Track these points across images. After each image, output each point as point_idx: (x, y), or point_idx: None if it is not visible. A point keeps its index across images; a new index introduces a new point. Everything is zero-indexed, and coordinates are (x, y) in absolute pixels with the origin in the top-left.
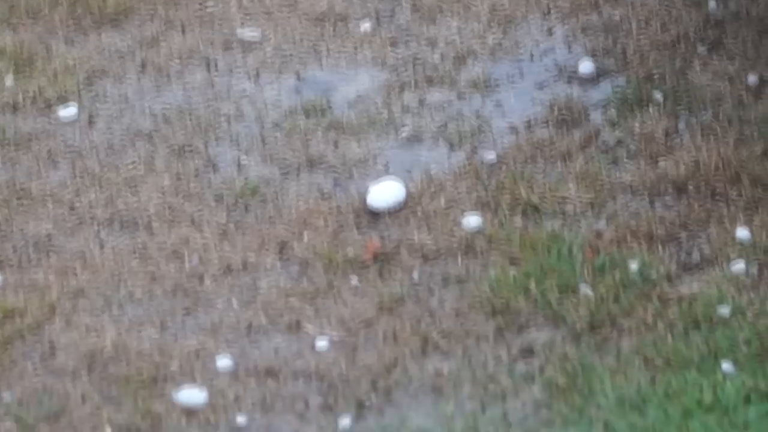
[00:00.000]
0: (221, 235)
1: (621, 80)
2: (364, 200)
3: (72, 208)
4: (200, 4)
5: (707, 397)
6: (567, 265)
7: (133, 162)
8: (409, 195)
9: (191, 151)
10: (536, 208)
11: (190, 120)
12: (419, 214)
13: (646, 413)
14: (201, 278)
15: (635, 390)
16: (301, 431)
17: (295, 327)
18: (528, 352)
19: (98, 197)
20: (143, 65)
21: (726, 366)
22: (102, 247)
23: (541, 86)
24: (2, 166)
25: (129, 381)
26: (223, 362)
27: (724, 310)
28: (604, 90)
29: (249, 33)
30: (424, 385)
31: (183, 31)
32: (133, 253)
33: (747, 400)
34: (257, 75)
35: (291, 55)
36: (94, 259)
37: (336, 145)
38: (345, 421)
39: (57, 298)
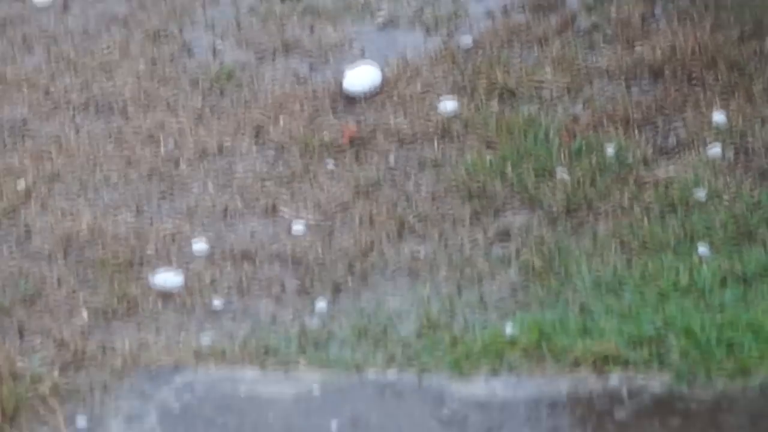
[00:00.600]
0: (197, 120)
1: None
2: (340, 85)
3: (47, 93)
4: None
5: (683, 280)
6: (543, 149)
7: (108, 47)
8: (385, 79)
9: (166, 35)
10: (512, 93)
11: (165, 4)
12: (395, 98)
13: (623, 296)
14: (177, 162)
15: (611, 273)
16: (277, 314)
17: (271, 211)
18: (504, 235)
19: (73, 82)
20: None
21: (702, 249)
22: (77, 131)
23: None
24: None
25: (105, 264)
26: (199, 246)
27: (701, 194)
28: None
29: None
30: (400, 268)
31: None
32: (109, 137)
33: (723, 282)
34: None
35: None
36: (69, 143)
37: (312, 29)
38: (321, 304)
39: (32, 182)
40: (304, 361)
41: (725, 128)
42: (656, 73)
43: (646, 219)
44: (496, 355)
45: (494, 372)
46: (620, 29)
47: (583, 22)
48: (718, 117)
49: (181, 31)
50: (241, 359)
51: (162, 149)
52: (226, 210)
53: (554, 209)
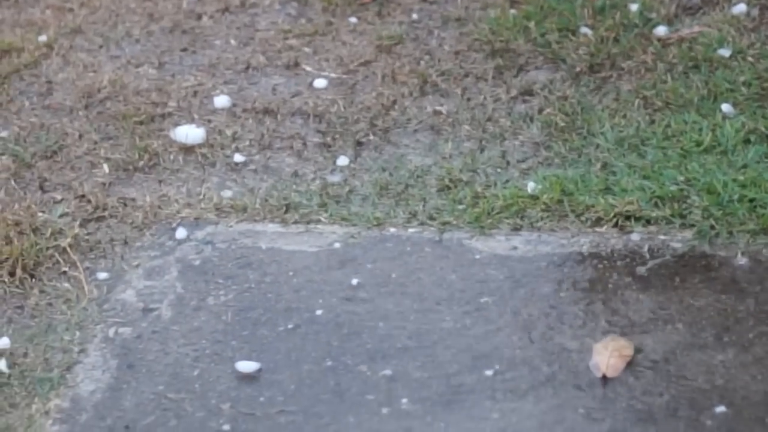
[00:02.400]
0: None
1: None
2: None
3: None
4: None
5: (706, 138)
6: (567, 6)
7: None
8: None
9: None
10: None
11: None
12: None
13: (645, 154)
14: (199, 16)
15: (634, 131)
16: (298, 169)
17: (293, 66)
18: (527, 92)
19: None
20: None
21: (726, 107)
22: None
23: None
24: None
25: (126, 118)
26: (221, 100)
27: (725, 52)
28: None
29: None
30: (422, 124)
31: None
32: None
33: (746, 141)
34: None
35: None
36: None
37: None
38: (343, 160)
39: (54, 36)
40: (326, 217)
41: None
42: None
43: (669, 77)
44: (517, 212)
45: (515, 229)
46: None
47: None
48: None
49: None
50: (262, 214)
51: (184, 3)
52: (248, 65)
53: (577, 67)
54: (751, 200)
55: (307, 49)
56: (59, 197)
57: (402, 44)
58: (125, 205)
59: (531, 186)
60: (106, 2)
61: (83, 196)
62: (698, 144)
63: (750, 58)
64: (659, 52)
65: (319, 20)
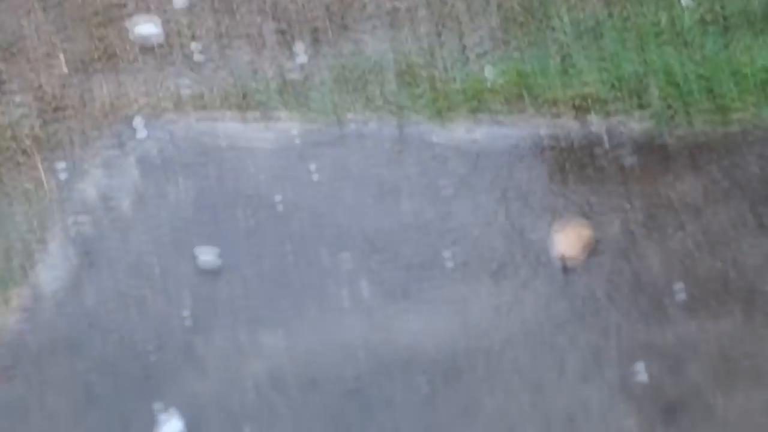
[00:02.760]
0: None
1: None
2: None
3: None
4: None
5: (664, 24)
6: None
7: None
8: None
9: None
10: None
11: None
12: None
13: (603, 41)
14: None
15: (591, 17)
16: (256, 62)
17: None
18: None
19: None
20: None
21: None
22: None
23: None
24: None
25: (84, 15)
26: None
27: None
28: None
29: None
30: (380, 13)
31: None
32: None
33: (703, 26)
34: None
35: None
36: None
37: None
38: (300, 52)
39: None
40: (284, 109)
41: None
42: None
43: None
44: (476, 100)
45: (474, 116)
46: None
47: None
48: None
49: None
50: (221, 109)
51: None
52: None
53: None
54: (708, 83)
55: None
56: (18, 94)
57: None
58: (83, 100)
59: (489, 74)
60: None
61: (42, 92)
62: (656, 31)
63: None
64: None
65: None
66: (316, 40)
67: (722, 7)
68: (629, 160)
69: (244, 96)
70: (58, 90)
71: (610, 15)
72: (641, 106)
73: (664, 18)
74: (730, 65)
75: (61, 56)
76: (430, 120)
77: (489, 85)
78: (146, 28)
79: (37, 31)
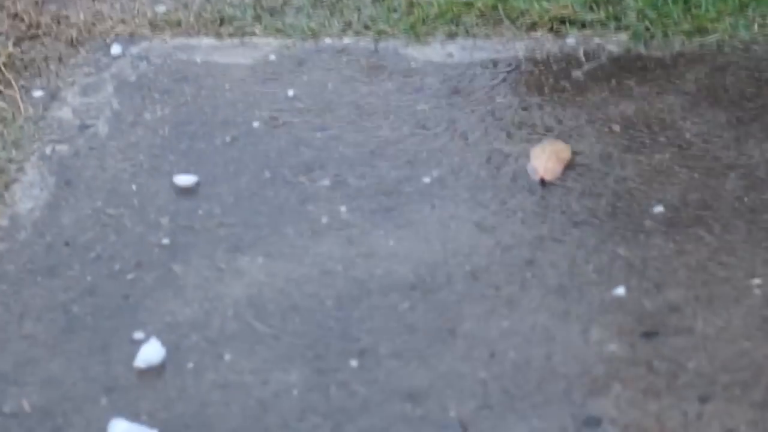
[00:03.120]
0: None
1: None
2: None
3: None
4: None
5: None
6: None
7: None
8: None
9: None
10: None
11: None
12: None
13: None
14: None
15: None
16: None
17: None
18: None
19: None
20: None
21: None
22: None
23: None
24: None
25: None
26: None
27: None
28: None
29: None
30: None
31: None
32: None
33: None
34: None
35: None
36: None
37: None
38: None
39: None
40: (260, 29)
41: None
42: None
43: None
44: (452, 19)
45: (451, 36)
46: None
47: None
48: None
49: None
50: (196, 28)
51: None
52: None
53: None
54: (685, 0)
55: None
56: None
57: None
58: (59, 22)
59: None
60: None
61: (16, 14)
62: None
63: None
64: None
65: None
66: None
67: None
68: (607, 78)
69: (220, 15)
70: (33, 12)
71: None
72: (618, 24)
73: None
74: None
75: None
76: (405, 38)
77: (465, 3)
78: None
79: None
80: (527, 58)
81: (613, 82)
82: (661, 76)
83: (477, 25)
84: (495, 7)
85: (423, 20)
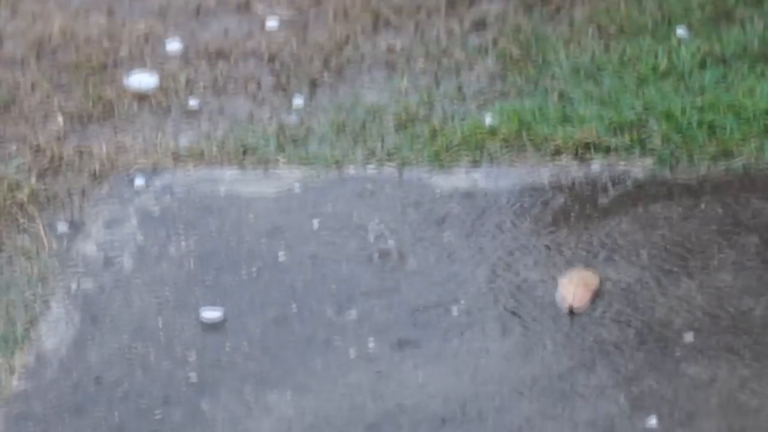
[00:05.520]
0: None
1: None
2: None
3: None
4: None
5: (662, 63)
6: None
7: None
8: None
9: None
10: None
11: None
12: None
13: (602, 81)
14: None
15: (589, 58)
16: (254, 112)
17: (245, 7)
18: (480, 24)
19: None
20: None
21: (680, 31)
22: None
23: None
24: None
25: (78, 68)
26: (173, 45)
27: None
28: None
29: None
30: (376, 61)
31: None
32: None
33: (702, 64)
34: None
35: None
36: None
37: None
38: (298, 100)
39: None
40: (284, 159)
41: None
42: None
43: (622, 2)
44: (476, 146)
45: (475, 163)
46: None
47: None
48: None
49: None
50: (219, 159)
51: None
52: (198, 7)
53: None
54: (710, 124)
55: None
56: (14, 150)
57: None
58: (81, 155)
59: (489, 119)
60: None
61: (39, 148)
62: (654, 69)
63: None
64: None
65: None
66: (313, 88)
67: (720, 45)
68: (633, 204)
69: (243, 147)
70: (56, 146)
71: (608, 55)
72: (643, 148)
73: (662, 57)
74: (730, 101)
75: (58, 111)
76: (430, 167)
77: (488, 129)
78: (142, 79)
79: (33, 87)
80: (552, 184)
81: (640, 208)
82: (688, 202)
83: (501, 151)
84: (518, 133)
85: (446, 147)
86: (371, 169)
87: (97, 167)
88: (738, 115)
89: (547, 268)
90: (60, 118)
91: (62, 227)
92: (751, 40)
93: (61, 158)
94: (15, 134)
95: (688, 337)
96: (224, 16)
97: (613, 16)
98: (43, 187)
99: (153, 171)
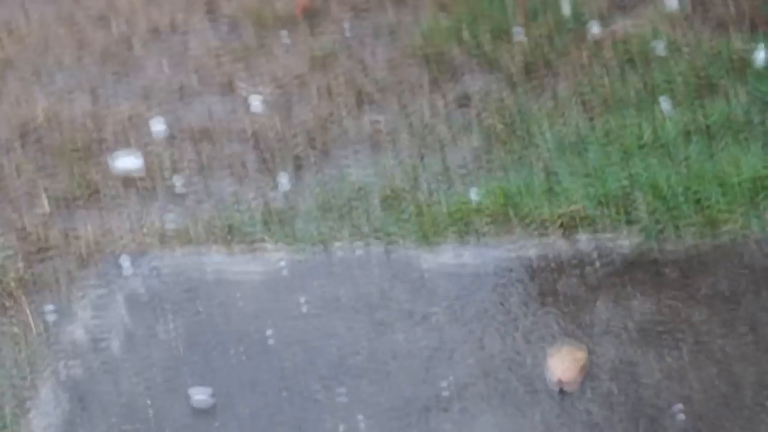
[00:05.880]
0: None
1: None
2: None
3: None
4: None
5: (647, 136)
6: (498, 9)
7: None
8: None
9: None
10: None
11: None
12: None
13: (587, 155)
14: (129, 42)
15: (574, 133)
16: (240, 192)
17: (228, 87)
18: (464, 99)
19: None
20: None
21: (664, 104)
22: (27, 16)
23: None
24: None
25: (63, 151)
26: (157, 127)
27: (660, 47)
28: None
29: None
30: (361, 139)
31: None
32: (60, 20)
33: (687, 136)
34: None
35: None
36: (20, 28)
37: None
38: (284, 180)
39: None
40: (270, 240)
41: None
42: None
43: (606, 76)
44: (462, 223)
45: (462, 240)
46: None
47: None
48: None
49: None
50: (206, 241)
51: (114, 28)
52: (182, 88)
53: (513, 71)
54: (696, 196)
55: (240, 69)
56: (0, 236)
57: (335, 58)
58: (68, 238)
59: (474, 195)
60: (34, 32)
61: (25, 232)
62: (639, 142)
63: (685, 53)
64: (594, 51)
65: (251, 38)
66: (298, 167)
67: (704, 116)
68: (620, 278)
69: (229, 228)
70: (42, 229)
71: (593, 129)
72: (629, 222)
73: (645, 126)
74: (716, 172)
75: (43, 194)
76: (417, 245)
77: (474, 206)
78: (127, 161)
79: (18, 170)
80: (539, 259)
81: (627, 282)
82: (675, 276)
83: (487, 227)
84: (504, 210)
85: (433, 225)
86: (358, 248)
87: (84, 251)
88: (723, 186)
89: (536, 343)
90: (46, 202)
91: (50, 311)
92: (734, 111)
93: (47, 242)
94: (1, 218)
95: (679, 413)
96: (208, 97)
97: (596, 90)
98: (29, 271)
99: (140, 254)
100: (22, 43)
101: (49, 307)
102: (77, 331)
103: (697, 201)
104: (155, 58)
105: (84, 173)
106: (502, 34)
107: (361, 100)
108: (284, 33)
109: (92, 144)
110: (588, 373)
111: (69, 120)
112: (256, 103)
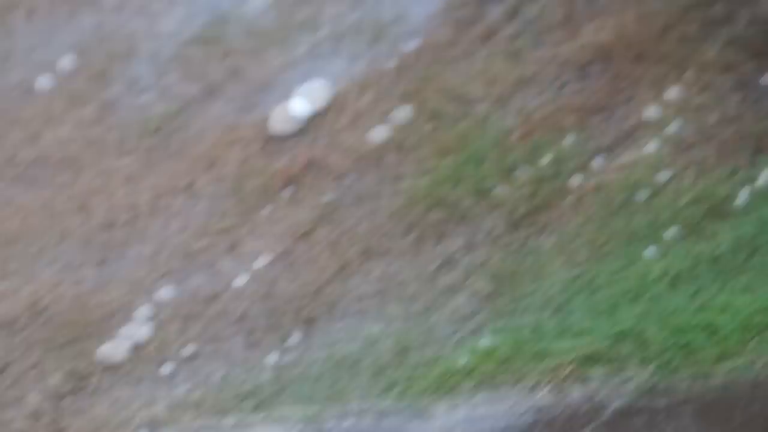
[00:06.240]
0: (126, 180)
1: None
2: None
3: None
4: None
5: (634, 286)
6: (478, 168)
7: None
8: (314, 114)
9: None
10: (441, 113)
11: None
12: (326, 132)
13: (573, 311)
14: (110, 227)
15: (560, 289)
16: (229, 372)
17: (209, 267)
18: (449, 262)
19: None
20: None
21: (649, 252)
22: (8, 204)
23: None
24: None
25: (49, 343)
26: (144, 311)
27: (642, 194)
28: None
29: None
30: (347, 309)
31: None
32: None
33: (673, 284)
34: None
35: None
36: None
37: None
38: (272, 358)
39: None
40: (258, 420)
41: (659, 121)
42: (583, 74)
43: (589, 227)
44: (452, 389)
45: (452, 406)
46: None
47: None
48: (652, 111)
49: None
50: (218, 407)
51: (93, 215)
52: (165, 273)
53: (496, 230)
54: (686, 343)
55: (222, 246)
56: None
57: (318, 229)
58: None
59: (462, 359)
60: (13, 225)
61: (36, 413)
62: (626, 293)
63: (668, 197)
64: (576, 203)
65: (233, 214)
66: (284, 342)
67: (688, 257)
68: None
69: (243, 393)
70: (51, 408)
71: (578, 283)
72: (621, 376)
73: (631, 275)
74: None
75: (31, 389)
76: (407, 412)
77: (465, 372)
78: (113, 347)
79: (6, 364)
80: (530, 420)
81: None
82: (672, 425)
83: (478, 390)
84: (494, 372)
85: (423, 392)
86: (348, 422)
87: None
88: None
89: None
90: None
91: None
92: (724, 253)
93: (57, 421)
94: None
95: None
96: (192, 277)
97: (580, 243)
98: None
99: (152, 425)
100: (3, 234)
101: None
102: None
103: (687, 349)
104: (137, 242)
105: (71, 364)
106: (483, 192)
107: (346, 269)
108: (267, 207)
109: (79, 335)
110: None
111: (55, 311)
112: (239, 281)
